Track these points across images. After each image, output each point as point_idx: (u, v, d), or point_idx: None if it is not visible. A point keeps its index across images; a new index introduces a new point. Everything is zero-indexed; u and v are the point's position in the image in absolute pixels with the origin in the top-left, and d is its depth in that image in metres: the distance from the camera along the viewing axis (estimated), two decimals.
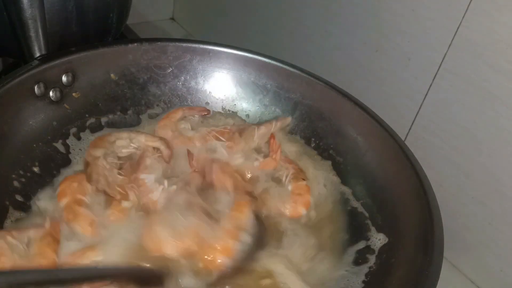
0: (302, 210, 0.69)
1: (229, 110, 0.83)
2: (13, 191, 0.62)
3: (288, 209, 0.68)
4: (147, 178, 0.66)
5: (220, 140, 0.74)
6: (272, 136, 0.76)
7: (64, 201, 0.62)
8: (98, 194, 0.64)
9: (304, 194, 0.70)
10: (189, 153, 0.72)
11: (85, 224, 0.60)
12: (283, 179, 0.71)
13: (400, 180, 0.67)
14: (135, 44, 0.78)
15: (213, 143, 0.74)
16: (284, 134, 0.79)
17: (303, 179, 0.71)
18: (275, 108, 0.82)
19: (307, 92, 0.79)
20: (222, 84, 0.83)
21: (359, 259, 0.65)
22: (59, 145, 0.71)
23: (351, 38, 0.88)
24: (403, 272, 0.58)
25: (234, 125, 0.79)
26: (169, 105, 0.81)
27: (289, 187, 0.70)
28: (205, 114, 0.80)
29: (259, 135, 0.75)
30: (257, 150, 0.76)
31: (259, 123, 0.79)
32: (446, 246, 0.56)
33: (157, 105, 0.81)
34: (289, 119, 0.79)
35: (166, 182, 0.66)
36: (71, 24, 0.76)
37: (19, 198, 0.62)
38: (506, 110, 0.69)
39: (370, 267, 0.63)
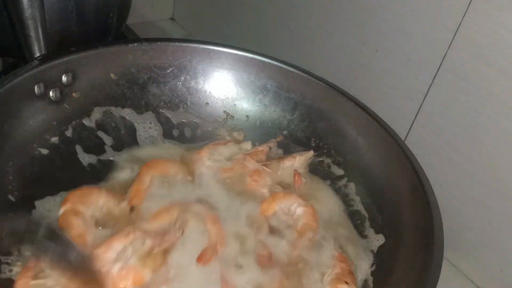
0: None
1: (231, 116, 0.83)
2: (12, 190, 0.62)
3: None
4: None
5: (258, 161, 0.74)
6: (296, 172, 0.75)
7: (63, 209, 0.62)
8: (102, 213, 0.64)
9: None
10: None
11: (74, 235, 0.58)
12: (324, 277, 0.61)
13: (400, 180, 0.67)
14: (135, 44, 0.78)
15: (251, 164, 0.74)
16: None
17: (346, 283, 0.60)
18: (275, 108, 0.82)
19: (307, 92, 0.79)
20: (222, 84, 0.83)
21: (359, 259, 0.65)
22: (59, 145, 0.71)
23: (351, 38, 0.88)
24: (403, 272, 0.58)
25: (265, 145, 0.78)
26: (169, 104, 0.81)
27: None
28: (228, 142, 0.79)
29: (283, 169, 0.75)
30: (280, 184, 0.74)
31: (282, 156, 0.77)
32: (446, 246, 0.56)
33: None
34: (311, 153, 0.77)
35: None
36: (71, 24, 0.76)
37: (18, 198, 0.62)
38: (506, 110, 0.69)
39: (370, 267, 0.63)
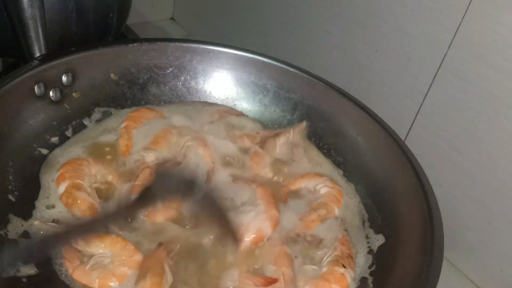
0: None
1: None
2: (12, 190, 0.62)
3: None
4: None
5: (251, 143, 0.76)
6: (294, 145, 0.75)
7: (63, 186, 0.63)
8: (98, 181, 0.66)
9: (332, 283, 0.59)
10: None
11: (84, 208, 0.61)
12: (324, 258, 0.62)
13: (400, 180, 0.67)
14: (135, 44, 0.78)
15: (245, 142, 0.75)
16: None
17: (344, 266, 0.60)
18: (275, 108, 0.82)
19: (307, 92, 0.79)
20: (222, 84, 0.83)
21: (359, 259, 0.65)
22: (59, 145, 0.71)
23: (351, 38, 0.88)
24: (403, 272, 0.58)
25: (259, 132, 0.79)
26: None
27: (323, 269, 0.61)
28: (241, 114, 0.81)
29: (280, 145, 0.75)
30: (281, 162, 0.74)
31: (277, 131, 0.78)
32: (446, 246, 0.56)
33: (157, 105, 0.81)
34: (304, 124, 0.78)
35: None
36: (71, 24, 0.76)
37: (18, 198, 0.62)
38: (506, 110, 0.69)
39: (370, 267, 0.63)
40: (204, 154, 0.71)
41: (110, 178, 0.67)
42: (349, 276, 0.60)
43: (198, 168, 0.70)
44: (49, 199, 0.63)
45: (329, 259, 0.61)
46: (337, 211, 0.68)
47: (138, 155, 0.69)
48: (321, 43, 0.94)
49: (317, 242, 0.64)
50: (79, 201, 0.61)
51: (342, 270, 0.60)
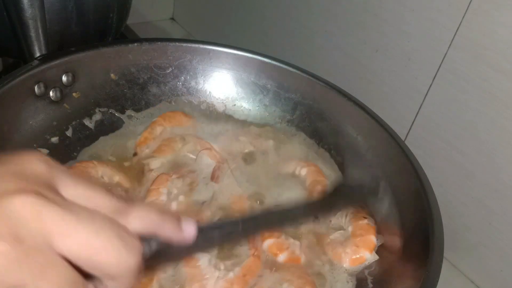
0: (365, 254, 0.62)
1: (229, 115, 0.83)
2: None
3: (349, 254, 0.62)
4: (201, 259, 0.56)
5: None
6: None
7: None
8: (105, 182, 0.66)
9: (366, 235, 0.63)
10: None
11: None
12: (343, 220, 0.65)
13: (400, 180, 0.67)
14: (135, 44, 0.78)
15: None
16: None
17: (364, 217, 0.65)
18: (275, 108, 0.82)
19: (307, 92, 0.79)
20: (222, 84, 0.83)
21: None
22: (59, 145, 0.71)
23: (351, 38, 0.88)
24: (403, 272, 0.58)
25: None
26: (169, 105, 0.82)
27: (349, 229, 0.64)
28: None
29: None
30: None
31: None
32: (446, 246, 0.56)
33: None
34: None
35: (222, 266, 0.57)
36: (71, 24, 0.76)
37: None
38: (506, 110, 0.69)
39: (369, 267, 0.63)
40: (209, 155, 0.72)
41: (116, 178, 0.66)
42: (372, 224, 0.65)
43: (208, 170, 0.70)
44: None
45: (347, 218, 0.65)
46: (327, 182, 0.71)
47: (145, 161, 0.70)
48: (321, 43, 0.94)
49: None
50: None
51: (365, 221, 0.65)
